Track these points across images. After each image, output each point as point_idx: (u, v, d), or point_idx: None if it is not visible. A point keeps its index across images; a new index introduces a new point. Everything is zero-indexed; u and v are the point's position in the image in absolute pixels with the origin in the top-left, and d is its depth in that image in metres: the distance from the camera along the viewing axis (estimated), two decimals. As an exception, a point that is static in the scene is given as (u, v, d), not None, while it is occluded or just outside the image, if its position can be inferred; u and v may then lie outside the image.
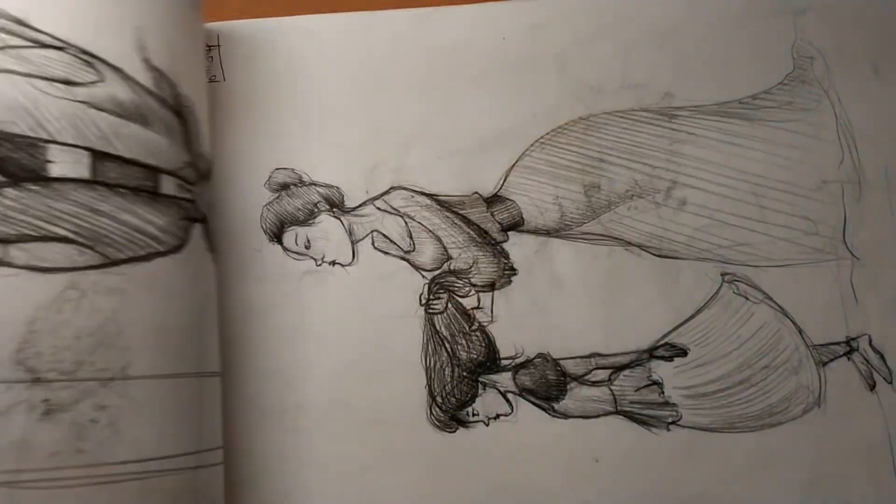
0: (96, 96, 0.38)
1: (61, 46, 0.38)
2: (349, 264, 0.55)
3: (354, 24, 0.59)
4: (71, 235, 0.37)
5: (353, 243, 0.55)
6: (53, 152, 0.37)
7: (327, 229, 0.56)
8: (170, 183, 0.41)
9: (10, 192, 0.36)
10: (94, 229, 0.38)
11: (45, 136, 0.37)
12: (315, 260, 0.55)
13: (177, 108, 0.41)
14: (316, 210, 0.56)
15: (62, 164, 0.37)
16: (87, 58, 0.38)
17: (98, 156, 0.38)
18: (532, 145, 0.56)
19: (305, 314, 0.54)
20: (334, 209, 0.56)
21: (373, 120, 0.57)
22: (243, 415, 0.52)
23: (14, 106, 0.36)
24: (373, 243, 0.55)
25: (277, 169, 0.57)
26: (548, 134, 0.56)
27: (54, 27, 0.38)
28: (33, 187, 0.36)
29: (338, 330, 0.54)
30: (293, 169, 0.57)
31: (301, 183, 0.56)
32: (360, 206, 0.56)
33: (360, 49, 0.58)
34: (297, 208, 0.56)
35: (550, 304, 0.53)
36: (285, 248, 0.55)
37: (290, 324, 0.54)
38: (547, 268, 0.54)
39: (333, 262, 0.55)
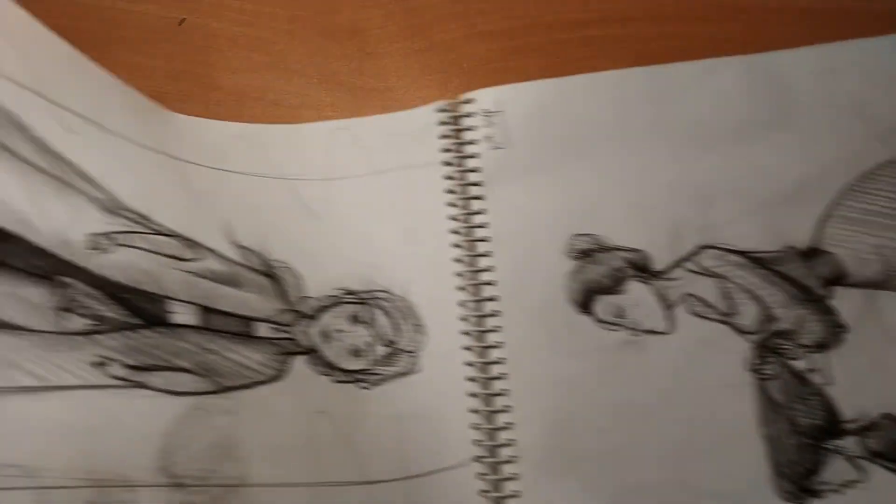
0: (198, 268, 0.50)
1: (172, 234, 0.50)
2: (667, 332, 0.52)
3: (635, 78, 0.57)
4: (191, 367, 0.47)
5: (668, 309, 0.53)
6: (173, 305, 0.48)
7: (637, 296, 0.53)
8: (264, 327, 0.51)
9: (146, 332, 0.46)
10: (207, 363, 0.48)
11: (166, 294, 0.48)
12: (630, 329, 0.53)
13: (267, 271, 0.53)
14: (622, 276, 0.54)
15: (180, 314, 0.48)
16: (190, 242, 0.50)
17: (205, 309, 0.49)
18: (844, 193, 0.53)
19: (630, 388, 0.51)
20: (641, 274, 0.54)
21: (665, 176, 0.55)
22: (582, 498, 0.49)
23: (144, 271, 0.48)
24: (689, 308, 0.53)
25: (575, 235, 0.54)
26: (856, 180, 0.54)
27: (166, 221, 0.50)
28: (162, 329, 0.47)
29: (666, 403, 0.51)
30: (592, 234, 0.54)
31: (602, 248, 0.54)
32: (668, 269, 0.54)
33: (644, 104, 0.56)
34: (602, 275, 0.53)
35: (888, 361, 0.51)
36: (597, 319, 0.53)
37: (616, 399, 0.51)
38: (878, 322, 0.51)
39: (650, 331, 0.52)
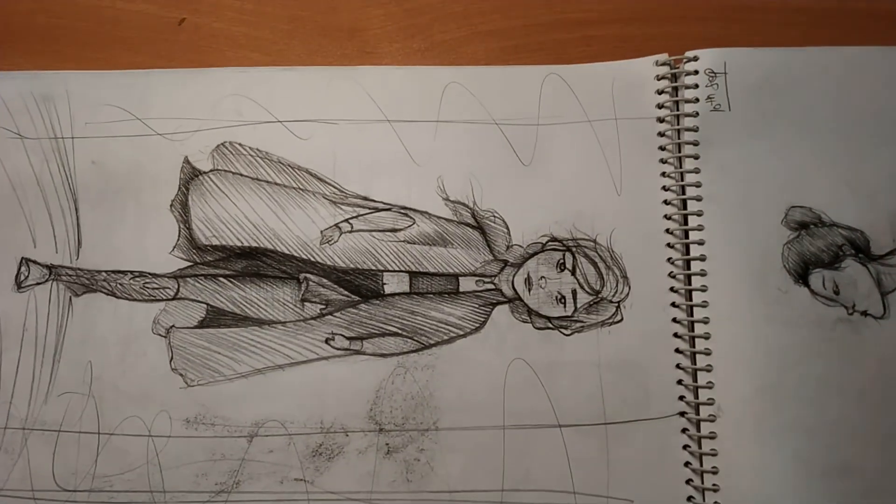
0: (408, 235, 0.56)
1: (388, 207, 0.56)
2: (881, 317, 0.51)
3: (869, 58, 0.54)
4: (398, 331, 0.54)
5: (883, 294, 0.51)
6: (386, 277, 0.55)
7: (854, 276, 0.51)
8: (469, 281, 0.55)
9: (363, 306, 0.55)
10: (412, 326, 0.54)
11: (380, 268, 0.55)
12: (846, 308, 0.51)
13: (476, 223, 0.56)
14: (840, 253, 0.52)
15: (391, 284, 0.55)
16: (404, 210, 0.56)
17: (414, 274, 0.55)
18: None
19: (842, 366, 0.51)
20: (859, 255, 0.52)
21: (889, 163, 0.52)
22: (786, 469, 0.50)
23: (363, 251, 0.55)
24: (905, 296, 0.50)
25: (794, 207, 0.53)
26: None
27: (383, 196, 0.56)
28: (376, 302, 0.55)
29: (878, 387, 0.50)
30: (811, 208, 0.53)
31: (821, 223, 0.52)
32: (887, 254, 0.51)
33: (875, 85, 0.54)
34: (820, 249, 0.52)
35: None
36: (813, 292, 0.52)
37: (827, 375, 0.51)
38: None
39: (865, 313, 0.51)
